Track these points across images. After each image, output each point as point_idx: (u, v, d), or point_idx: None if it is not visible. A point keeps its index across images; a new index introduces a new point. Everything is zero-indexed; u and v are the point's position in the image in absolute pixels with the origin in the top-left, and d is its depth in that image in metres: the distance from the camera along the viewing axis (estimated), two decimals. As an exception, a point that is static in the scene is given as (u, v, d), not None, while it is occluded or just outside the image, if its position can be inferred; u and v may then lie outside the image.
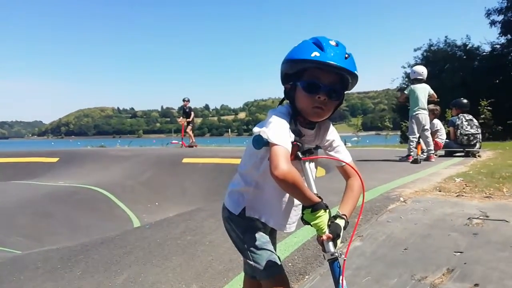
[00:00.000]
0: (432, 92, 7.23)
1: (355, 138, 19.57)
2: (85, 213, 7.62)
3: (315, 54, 1.37)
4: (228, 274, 2.55)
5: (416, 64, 25.19)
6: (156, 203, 8.89)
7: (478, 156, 7.71)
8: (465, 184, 4.50)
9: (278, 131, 1.39)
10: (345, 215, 1.43)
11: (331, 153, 1.58)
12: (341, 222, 1.39)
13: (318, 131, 1.56)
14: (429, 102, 7.39)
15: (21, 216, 6.82)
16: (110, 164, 11.56)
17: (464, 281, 2.05)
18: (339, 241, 1.37)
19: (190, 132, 14.66)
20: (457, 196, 3.97)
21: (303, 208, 1.36)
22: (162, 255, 3.12)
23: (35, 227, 6.63)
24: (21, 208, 7.13)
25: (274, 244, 1.77)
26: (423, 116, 7.16)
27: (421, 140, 7.31)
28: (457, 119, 8.01)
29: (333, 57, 1.37)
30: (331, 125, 1.60)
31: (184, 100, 14.63)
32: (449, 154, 8.20)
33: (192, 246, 3.18)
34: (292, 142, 1.41)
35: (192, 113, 14.84)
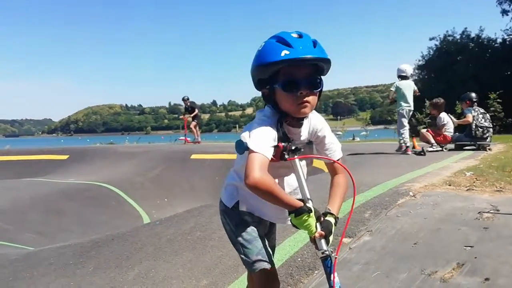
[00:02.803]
0: (415, 88, 7.79)
1: (364, 132, 19.48)
2: (95, 209, 7.72)
3: (285, 52, 1.34)
4: (238, 269, 2.57)
5: (430, 55, 24.99)
6: (165, 199, 8.96)
7: (489, 149, 7.63)
8: (476, 178, 4.46)
9: (258, 137, 1.37)
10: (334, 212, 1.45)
11: (322, 149, 1.58)
12: (331, 219, 1.41)
13: (307, 127, 1.54)
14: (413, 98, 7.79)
15: (33, 213, 6.93)
16: (119, 161, 11.66)
17: (475, 275, 2.05)
18: (331, 238, 1.38)
19: (194, 128, 14.55)
20: (467, 190, 3.93)
21: (288, 213, 1.37)
22: (172, 251, 3.15)
23: (46, 223, 6.74)
24: (33, 205, 7.24)
25: (273, 238, 1.77)
26: (409, 110, 7.66)
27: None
28: (473, 111, 7.91)
29: (303, 51, 1.34)
30: (322, 119, 1.58)
31: (183, 100, 14.49)
32: (459, 148, 8.12)
33: (202, 241, 3.21)
34: (277, 144, 1.40)
35: (196, 109, 14.68)
